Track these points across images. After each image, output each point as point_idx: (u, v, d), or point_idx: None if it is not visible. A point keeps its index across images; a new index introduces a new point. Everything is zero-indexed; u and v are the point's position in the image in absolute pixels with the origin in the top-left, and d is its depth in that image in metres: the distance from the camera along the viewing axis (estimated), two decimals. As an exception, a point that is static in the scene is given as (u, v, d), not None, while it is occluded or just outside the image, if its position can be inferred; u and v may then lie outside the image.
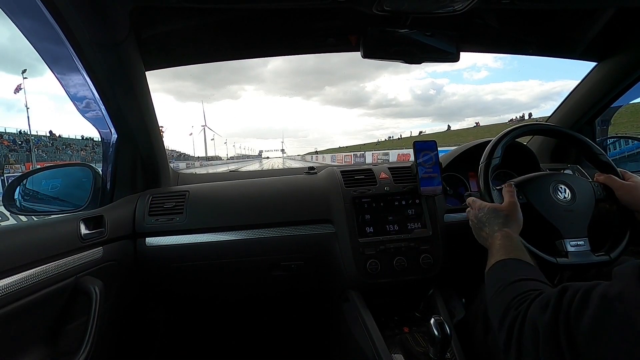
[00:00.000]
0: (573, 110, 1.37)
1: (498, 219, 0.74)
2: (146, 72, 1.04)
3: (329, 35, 1.12)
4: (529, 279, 0.61)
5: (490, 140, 0.91)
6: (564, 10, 1.08)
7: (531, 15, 1.10)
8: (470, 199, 0.86)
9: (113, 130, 1.03)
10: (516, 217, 0.75)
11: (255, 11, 0.99)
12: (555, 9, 1.06)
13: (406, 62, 1.06)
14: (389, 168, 1.13)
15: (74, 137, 57.64)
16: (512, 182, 0.82)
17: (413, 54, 1.06)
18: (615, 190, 0.82)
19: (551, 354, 0.46)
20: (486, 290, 0.67)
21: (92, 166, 1.03)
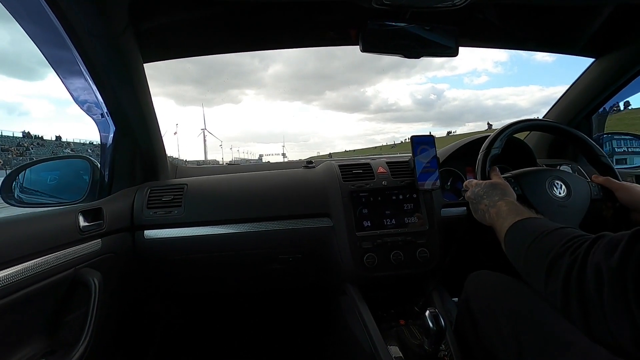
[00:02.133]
0: (571, 105, 1.37)
1: (496, 191, 0.77)
2: (144, 65, 1.04)
3: (329, 28, 1.12)
4: (571, 227, 0.57)
5: (488, 136, 0.91)
6: (564, 6, 1.08)
7: (531, 11, 1.09)
8: (466, 182, 0.88)
9: (111, 122, 1.03)
10: (512, 191, 0.78)
11: (255, 3, 0.99)
12: (556, 4, 1.06)
13: (405, 56, 1.06)
14: (387, 162, 1.13)
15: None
16: (496, 168, 0.86)
17: (412, 48, 1.05)
18: (615, 191, 0.83)
19: (616, 301, 0.43)
20: (508, 249, 0.64)
21: (90, 158, 1.03)
